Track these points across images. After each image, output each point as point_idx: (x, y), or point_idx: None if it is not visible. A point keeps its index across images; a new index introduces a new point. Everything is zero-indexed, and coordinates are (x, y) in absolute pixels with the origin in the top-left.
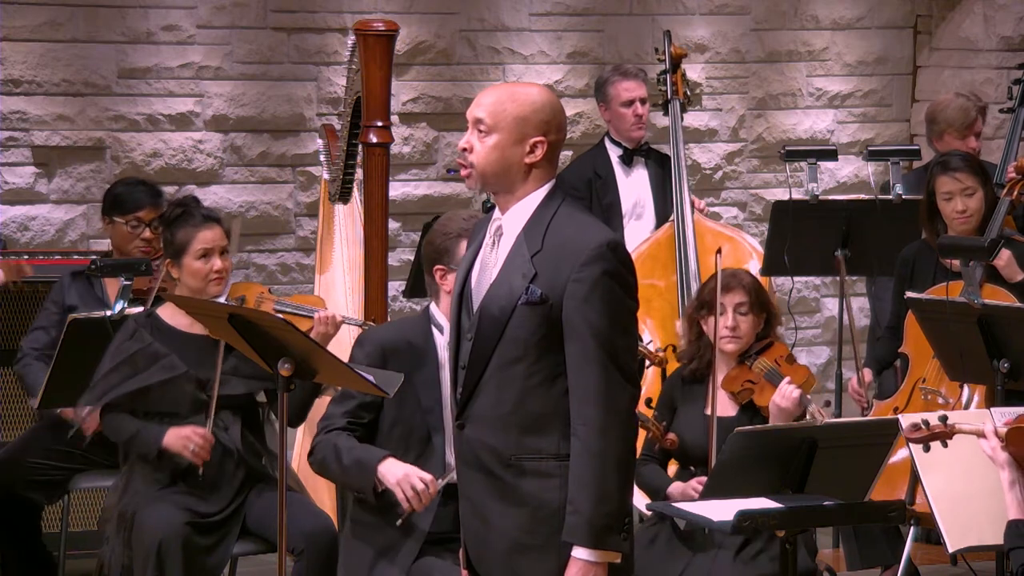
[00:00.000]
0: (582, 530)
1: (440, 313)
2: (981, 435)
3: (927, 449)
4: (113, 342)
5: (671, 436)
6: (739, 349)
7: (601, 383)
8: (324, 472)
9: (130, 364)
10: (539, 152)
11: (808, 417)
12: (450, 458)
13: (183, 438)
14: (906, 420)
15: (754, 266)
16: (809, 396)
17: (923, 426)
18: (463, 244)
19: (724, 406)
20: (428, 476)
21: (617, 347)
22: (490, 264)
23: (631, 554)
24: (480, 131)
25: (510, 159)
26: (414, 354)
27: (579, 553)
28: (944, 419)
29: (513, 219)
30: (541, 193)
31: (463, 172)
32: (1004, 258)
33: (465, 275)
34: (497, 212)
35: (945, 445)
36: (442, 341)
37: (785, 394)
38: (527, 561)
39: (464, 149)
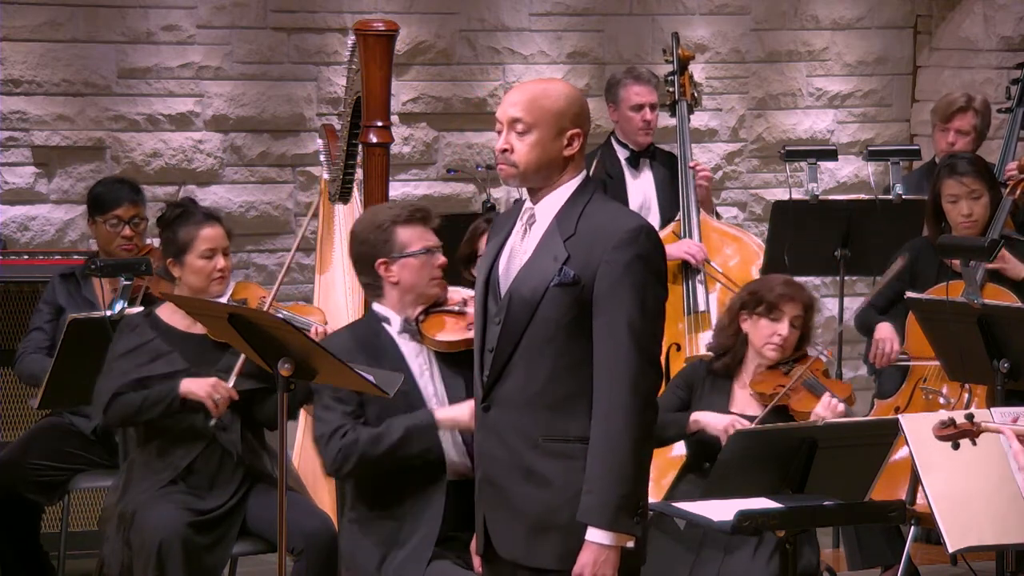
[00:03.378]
0: (596, 510)
1: (385, 308)
2: (1002, 433)
3: (956, 447)
4: (116, 338)
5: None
6: (779, 359)
7: (625, 365)
8: (372, 466)
9: (133, 356)
10: (576, 144)
11: None
12: (447, 443)
13: (208, 385)
14: (931, 418)
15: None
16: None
17: (951, 424)
18: (399, 231)
19: (745, 404)
20: (469, 402)
21: (644, 331)
22: (521, 250)
23: (644, 544)
24: (518, 131)
25: (550, 154)
26: (371, 353)
27: (592, 535)
28: (971, 417)
29: (546, 207)
30: (574, 183)
31: (501, 170)
32: (1005, 259)
33: (491, 263)
34: (528, 202)
35: (974, 443)
36: (394, 331)
37: (829, 405)
38: (549, 541)
39: (504, 150)
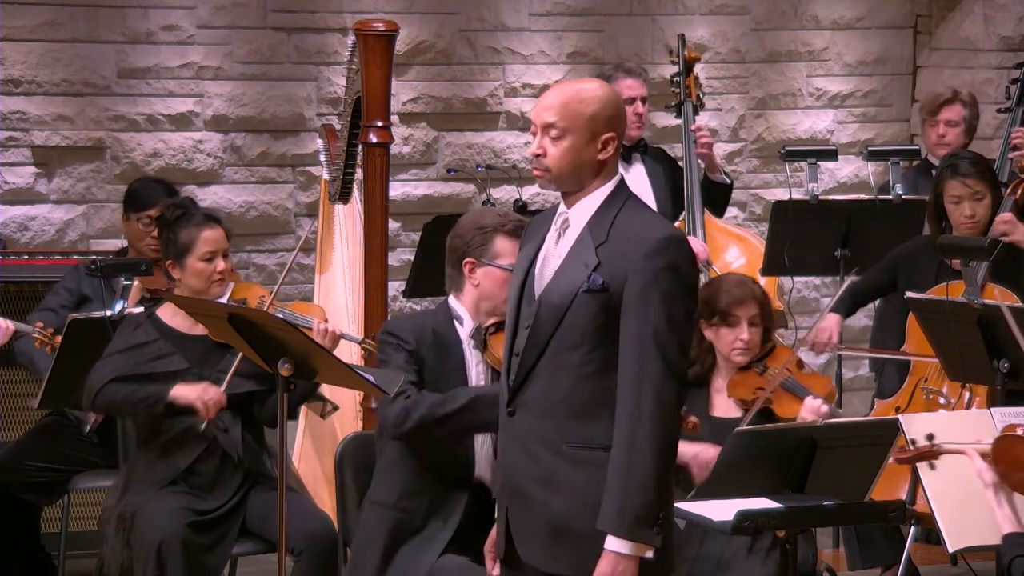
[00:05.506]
0: (614, 519)
1: (460, 306)
2: (964, 453)
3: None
4: (118, 333)
5: (692, 419)
6: (749, 360)
7: (650, 375)
8: (431, 428)
9: (135, 353)
10: (611, 148)
11: None
12: (479, 447)
13: (198, 388)
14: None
15: None
16: (839, 408)
17: (910, 446)
18: (498, 240)
19: (727, 408)
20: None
21: (670, 341)
22: (554, 255)
23: (670, 555)
24: (552, 135)
25: (584, 158)
26: (441, 343)
27: (610, 544)
28: (931, 437)
29: (580, 212)
30: (608, 188)
31: (536, 174)
32: (1015, 227)
33: (527, 267)
34: (563, 206)
35: (932, 467)
36: (464, 332)
37: (814, 409)
38: (568, 548)
39: (537, 155)
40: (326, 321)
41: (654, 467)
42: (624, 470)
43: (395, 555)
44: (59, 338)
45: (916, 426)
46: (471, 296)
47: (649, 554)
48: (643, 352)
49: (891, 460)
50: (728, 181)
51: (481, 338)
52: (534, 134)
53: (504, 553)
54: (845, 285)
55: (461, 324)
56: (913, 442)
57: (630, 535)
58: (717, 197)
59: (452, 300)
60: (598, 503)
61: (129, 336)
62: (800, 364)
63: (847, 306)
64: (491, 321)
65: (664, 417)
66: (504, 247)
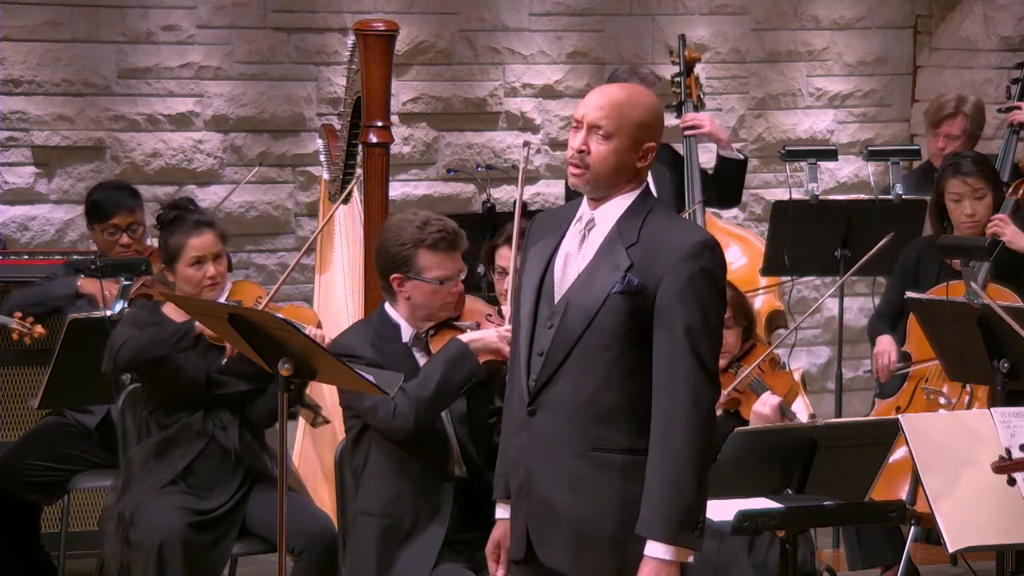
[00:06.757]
0: (657, 524)
1: (396, 315)
2: None
3: (1012, 482)
4: (126, 315)
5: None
6: (726, 363)
7: (687, 379)
8: (433, 408)
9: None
10: (649, 157)
11: None
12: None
13: None
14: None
15: None
16: (793, 409)
17: (1007, 457)
18: (421, 254)
19: None
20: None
21: (705, 345)
22: (578, 256)
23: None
24: (599, 134)
25: (624, 163)
26: (389, 351)
27: (653, 550)
28: None
29: (606, 213)
30: (635, 193)
31: (572, 171)
32: (1009, 233)
33: (544, 266)
34: (585, 206)
35: None
36: (406, 338)
37: (765, 401)
38: (595, 554)
39: (580, 151)
40: (319, 327)
41: (693, 470)
42: (663, 474)
43: (390, 563)
44: (39, 328)
45: (916, 426)
46: (405, 307)
47: (691, 558)
48: (678, 355)
49: (991, 469)
50: (741, 157)
51: (424, 343)
52: (576, 129)
53: (521, 554)
54: (873, 315)
55: (400, 332)
56: (1009, 452)
57: (673, 540)
58: (731, 176)
59: (388, 308)
60: (622, 507)
61: (143, 316)
62: (774, 363)
63: (890, 324)
64: (428, 326)
65: (700, 419)
66: (428, 260)
